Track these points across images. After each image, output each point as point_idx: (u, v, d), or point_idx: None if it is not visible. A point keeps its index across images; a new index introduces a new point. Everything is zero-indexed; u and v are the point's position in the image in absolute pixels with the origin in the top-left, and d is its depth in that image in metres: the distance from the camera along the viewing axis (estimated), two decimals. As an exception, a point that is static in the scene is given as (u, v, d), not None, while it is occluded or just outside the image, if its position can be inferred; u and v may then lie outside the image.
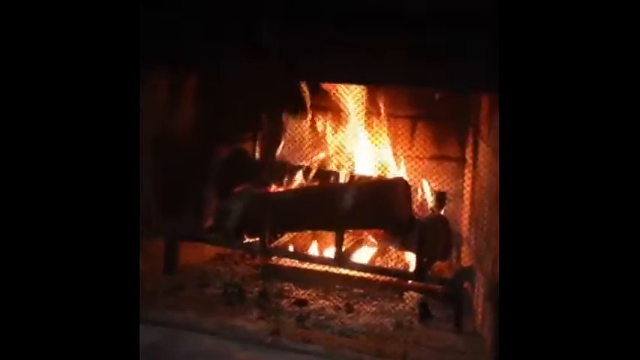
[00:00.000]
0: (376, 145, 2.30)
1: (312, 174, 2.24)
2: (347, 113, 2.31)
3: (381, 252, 2.23)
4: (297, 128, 2.43)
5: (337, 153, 2.33)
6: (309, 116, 2.39)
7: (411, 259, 2.10)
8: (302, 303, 1.94)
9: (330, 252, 2.12)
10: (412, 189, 2.12)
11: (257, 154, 2.48)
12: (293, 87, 2.34)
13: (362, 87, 2.24)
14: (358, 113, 2.29)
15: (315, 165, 2.32)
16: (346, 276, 2.08)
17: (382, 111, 2.28)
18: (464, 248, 2.17)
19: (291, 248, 2.22)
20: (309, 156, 2.38)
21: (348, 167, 2.29)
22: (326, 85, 2.29)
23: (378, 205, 2.04)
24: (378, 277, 2.07)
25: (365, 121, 2.30)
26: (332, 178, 2.21)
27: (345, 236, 2.05)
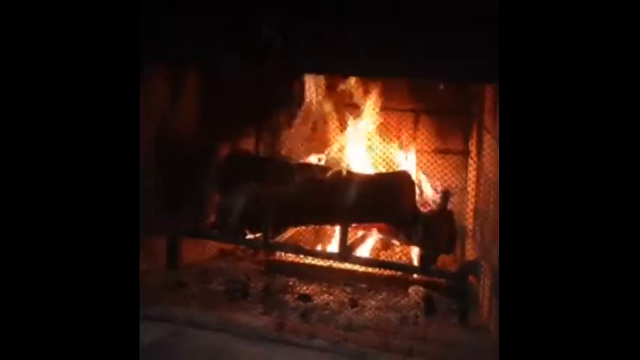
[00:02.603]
0: (380, 138, 2.29)
1: (315, 169, 2.22)
2: (350, 107, 2.30)
3: (386, 246, 2.22)
4: (300, 123, 2.42)
5: (340, 147, 2.31)
6: (312, 111, 2.37)
7: (415, 253, 2.09)
8: (306, 298, 1.93)
9: (333, 247, 2.11)
10: (416, 182, 2.10)
11: (259, 150, 2.47)
12: (294, 81, 2.33)
13: (364, 80, 2.22)
14: (361, 107, 2.28)
15: (318, 160, 2.31)
16: (350, 270, 2.07)
17: (385, 104, 2.27)
18: (469, 241, 2.16)
19: (294, 243, 2.21)
20: (312, 151, 2.36)
21: (351, 161, 2.28)
22: (328, 79, 2.28)
23: (382, 199, 2.02)
24: (382, 271, 2.06)
25: (368, 114, 2.29)
26: (335, 173, 2.20)
27: (349, 230, 2.04)
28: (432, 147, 2.31)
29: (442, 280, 2.00)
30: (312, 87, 2.35)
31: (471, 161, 2.21)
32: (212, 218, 2.17)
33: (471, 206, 2.14)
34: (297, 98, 2.37)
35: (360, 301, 1.93)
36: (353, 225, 2.08)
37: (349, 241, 2.04)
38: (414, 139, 2.31)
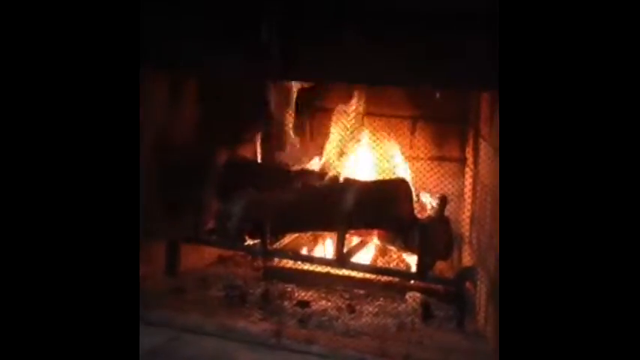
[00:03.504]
0: (376, 145, 2.30)
1: (313, 175, 2.23)
2: (347, 114, 2.31)
3: (383, 252, 2.23)
4: (298, 130, 2.43)
5: (338, 154, 2.32)
6: (310, 117, 2.39)
7: (412, 259, 2.10)
8: (304, 304, 1.94)
9: (331, 253, 2.12)
10: (413, 189, 2.11)
11: (258, 156, 2.48)
12: (293, 88, 2.34)
13: (362, 87, 2.24)
14: (358, 114, 2.29)
15: (316, 166, 2.32)
16: (348, 277, 2.08)
17: (382, 111, 2.28)
18: (465, 248, 2.17)
19: (292, 250, 2.22)
20: (310, 157, 2.37)
21: (349, 168, 2.28)
22: (326, 86, 2.29)
23: (379, 205, 2.03)
24: (379, 277, 2.07)
25: (365, 121, 2.30)
26: (333, 179, 2.21)
27: (347, 237, 2.05)
28: (429, 154, 2.32)
29: (439, 287, 2.00)
30: (309, 92, 2.37)
31: (467, 168, 2.22)
32: (211, 224, 2.18)
33: (468, 213, 2.15)
34: (293, 105, 2.38)
35: (358, 307, 1.94)
36: (351, 231, 2.08)
37: (347, 248, 2.05)
38: (411, 146, 2.32)
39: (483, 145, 1.93)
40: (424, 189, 2.21)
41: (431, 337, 1.78)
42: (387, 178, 2.22)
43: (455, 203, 2.17)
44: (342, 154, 2.32)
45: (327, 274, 2.09)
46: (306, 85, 2.36)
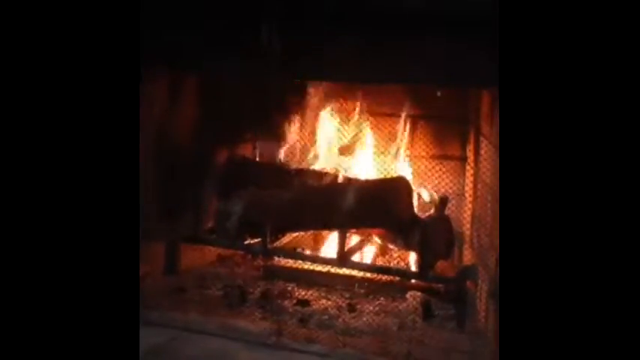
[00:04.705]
0: (377, 144, 2.30)
1: (313, 174, 2.23)
2: (348, 113, 2.31)
3: (384, 251, 2.22)
4: (298, 129, 2.43)
5: (338, 153, 2.32)
6: (310, 117, 2.38)
7: (413, 258, 2.10)
8: (304, 303, 1.94)
9: (332, 252, 2.12)
10: (414, 188, 2.11)
11: (257, 156, 2.48)
12: (293, 87, 2.34)
13: (363, 86, 2.23)
14: (359, 113, 2.29)
15: (316, 165, 2.31)
16: (348, 276, 2.08)
17: (383, 110, 2.28)
18: (466, 247, 2.17)
19: (292, 249, 2.21)
20: (310, 156, 2.37)
21: (349, 167, 2.28)
22: (326, 85, 2.28)
23: (379, 204, 2.03)
24: (380, 276, 2.07)
25: (366, 120, 2.30)
26: (333, 179, 2.21)
27: (347, 236, 2.04)
28: (430, 153, 2.32)
29: (440, 285, 2.00)
30: (310, 92, 2.36)
31: (468, 167, 2.22)
32: (210, 223, 2.17)
33: (469, 212, 2.14)
34: (294, 102, 2.38)
35: (359, 307, 1.94)
36: (351, 230, 2.08)
37: (347, 247, 2.05)
38: (412, 144, 2.32)
39: (484, 144, 1.93)
40: (425, 188, 2.20)
41: (432, 336, 1.78)
42: (388, 176, 2.21)
43: (456, 202, 2.17)
44: (342, 152, 2.32)
45: (328, 273, 2.09)
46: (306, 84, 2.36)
